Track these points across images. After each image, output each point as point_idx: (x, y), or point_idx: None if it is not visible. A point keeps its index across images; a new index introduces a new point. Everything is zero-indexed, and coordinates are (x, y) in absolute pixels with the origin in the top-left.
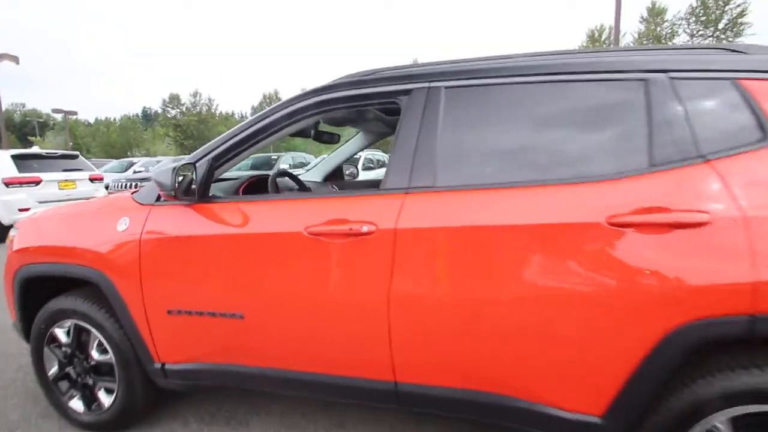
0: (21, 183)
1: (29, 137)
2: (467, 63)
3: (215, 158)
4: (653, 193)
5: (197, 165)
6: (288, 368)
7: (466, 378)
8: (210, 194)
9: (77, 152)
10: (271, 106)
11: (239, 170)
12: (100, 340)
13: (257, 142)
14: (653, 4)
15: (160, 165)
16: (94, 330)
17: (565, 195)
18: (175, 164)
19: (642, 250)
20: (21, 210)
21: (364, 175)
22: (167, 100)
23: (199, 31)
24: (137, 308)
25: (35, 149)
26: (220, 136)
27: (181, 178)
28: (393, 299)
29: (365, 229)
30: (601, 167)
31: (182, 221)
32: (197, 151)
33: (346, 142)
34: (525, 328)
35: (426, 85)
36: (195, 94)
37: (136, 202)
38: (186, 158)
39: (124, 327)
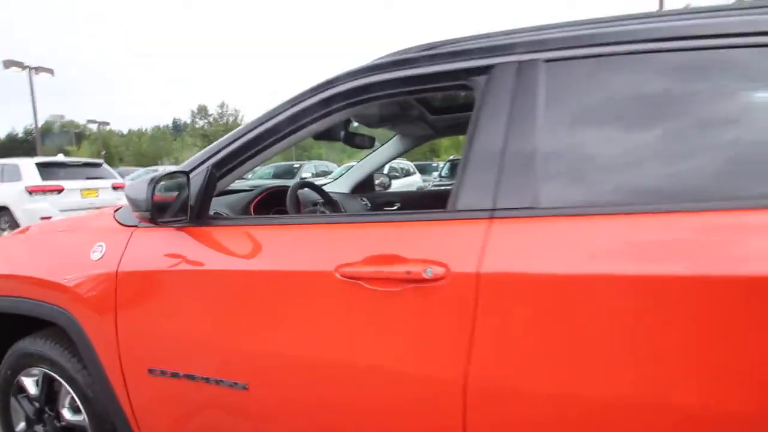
0: (44, 191)
1: (66, 146)
2: (579, 27)
3: (217, 165)
4: None
5: (192, 176)
6: None
7: None
8: (212, 212)
9: (101, 160)
10: (290, 97)
11: (261, 179)
12: (72, 396)
13: (271, 145)
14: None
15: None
16: (64, 383)
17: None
18: (153, 174)
19: None
20: (43, 218)
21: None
22: (196, 111)
23: (234, 35)
24: (111, 362)
25: (60, 157)
26: (223, 138)
27: (160, 193)
28: (472, 381)
29: (430, 273)
30: None
31: (170, 250)
32: (192, 158)
33: (377, 148)
34: None
35: (515, 58)
36: (222, 105)
37: (117, 222)
38: (174, 168)
39: (96, 385)
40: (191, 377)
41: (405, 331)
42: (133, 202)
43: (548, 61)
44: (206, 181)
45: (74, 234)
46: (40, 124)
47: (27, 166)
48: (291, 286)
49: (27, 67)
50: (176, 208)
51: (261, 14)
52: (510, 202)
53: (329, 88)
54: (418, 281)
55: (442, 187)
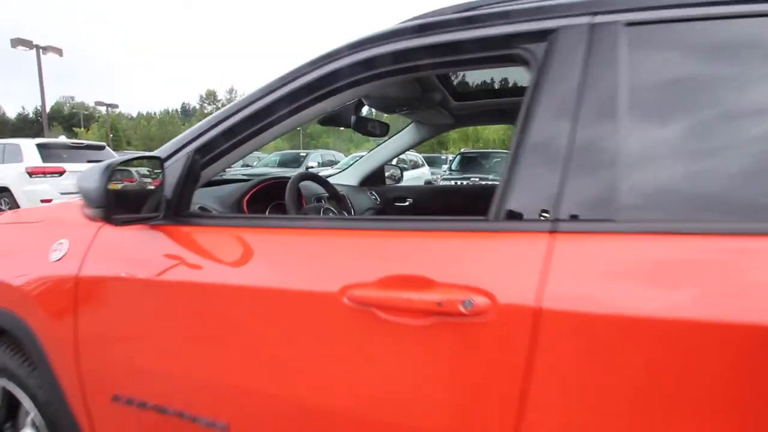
0: (45, 173)
1: (74, 128)
2: None
3: (201, 150)
4: None
5: (167, 163)
6: None
7: None
8: (196, 207)
9: (104, 143)
10: (291, 70)
11: (266, 167)
12: (34, 416)
13: (266, 128)
14: None
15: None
16: (25, 400)
17: None
18: (110, 160)
19: None
20: (43, 201)
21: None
22: (204, 96)
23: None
24: (71, 383)
25: (62, 139)
26: (209, 118)
27: (119, 184)
28: None
29: (469, 305)
30: None
31: (141, 253)
32: (170, 142)
33: (387, 138)
34: None
35: (586, 20)
36: (231, 91)
37: (84, 215)
38: (141, 153)
39: (56, 407)
40: (162, 410)
41: (431, 379)
42: (85, 195)
43: (631, 24)
44: (187, 169)
45: (37, 227)
46: (50, 106)
47: (28, 147)
48: (286, 308)
49: (35, 46)
50: (153, 201)
51: (262, 14)
52: (579, 211)
53: (337, 60)
54: (452, 315)
55: (453, 181)
